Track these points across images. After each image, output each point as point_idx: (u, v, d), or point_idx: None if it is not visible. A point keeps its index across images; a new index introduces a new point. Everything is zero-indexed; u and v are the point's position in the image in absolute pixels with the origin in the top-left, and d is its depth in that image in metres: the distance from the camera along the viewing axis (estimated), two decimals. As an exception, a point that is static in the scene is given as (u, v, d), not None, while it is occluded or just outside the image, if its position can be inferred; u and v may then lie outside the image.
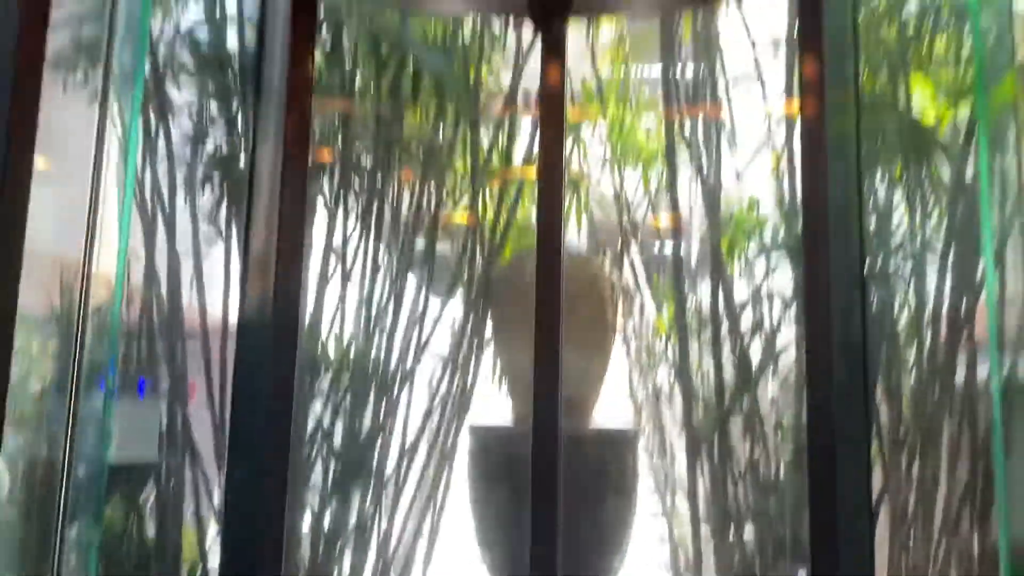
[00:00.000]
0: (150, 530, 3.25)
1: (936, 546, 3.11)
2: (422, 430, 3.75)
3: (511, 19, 3.96)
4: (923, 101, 3.49)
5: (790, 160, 3.50)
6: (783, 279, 3.59)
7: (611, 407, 3.87)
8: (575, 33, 4.43)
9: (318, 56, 3.61)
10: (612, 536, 3.29)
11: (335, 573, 3.52)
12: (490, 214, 3.98)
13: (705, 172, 3.82)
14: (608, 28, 4.78)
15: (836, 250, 2.27)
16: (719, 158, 3.77)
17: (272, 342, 2.27)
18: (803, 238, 2.35)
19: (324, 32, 3.56)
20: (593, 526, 3.22)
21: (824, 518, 2.10)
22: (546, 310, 2.68)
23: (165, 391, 3.35)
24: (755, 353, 3.48)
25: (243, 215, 3.48)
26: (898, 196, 3.43)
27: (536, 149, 3.96)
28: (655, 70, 4.45)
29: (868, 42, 3.27)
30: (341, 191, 3.81)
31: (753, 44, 3.78)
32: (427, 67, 3.64)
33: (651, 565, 3.86)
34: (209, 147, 3.53)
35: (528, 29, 4.05)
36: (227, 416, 3.31)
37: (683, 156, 3.92)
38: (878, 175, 3.41)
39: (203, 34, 3.53)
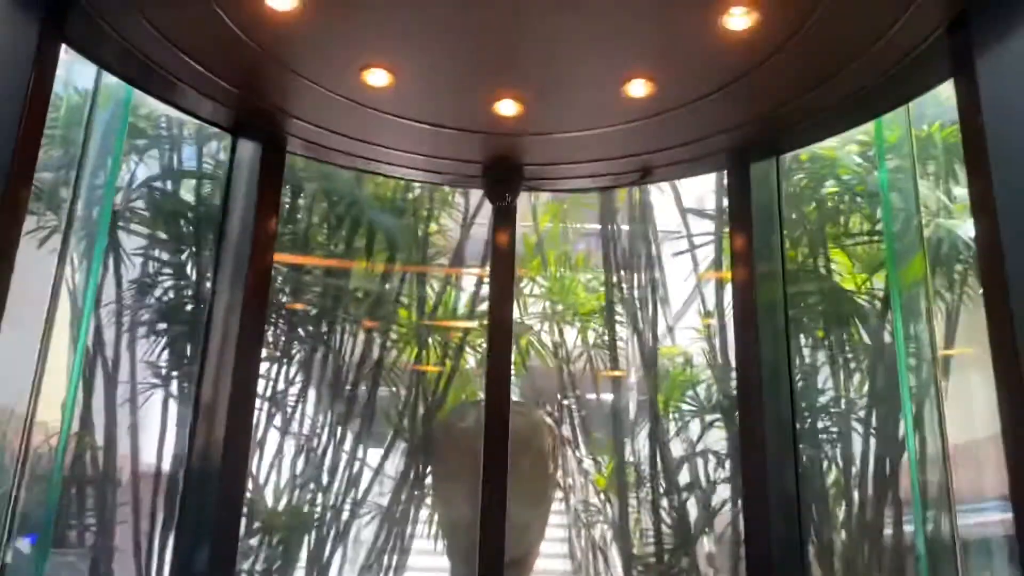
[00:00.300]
0: None
1: None
2: (358, 586, 3.65)
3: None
4: (841, 271, 3.78)
5: (720, 320, 3.69)
6: (717, 436, 3.70)
7: (550, 563, 3.85)
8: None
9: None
10: None
11: None
12: (433, 364, 4.05)
13: (641, 328, 3.99)
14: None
15: (769, 408, 2.40)
16: (654, 316, 3.95)
17: (218, 491, 2.25)
18: (738, 397, 2.49)
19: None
20: None
21: None
22: (494, 463, 2.72)
23: (91, 543, 3.22)
24: (691, 509, 3.54)
25: (182, 363, 3.48)
26: (822, 358, 3.64)
27: (478, 303, 4.14)
28: (594, 230, 4.72)
29: (790, 218, 3.56)
30: (283, 339, 3.85)
31: (683, 214, 4.06)
32: (379, 225, 3.79)
33: None
34: (157, 294, 3.57)
35: (477, 193, 4.28)
36: (153, 570, 3.18)
37: (621, 313, 4.11)
38: (802, 340, 3.62)
39: (161, 185, 3.63)
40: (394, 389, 4.00)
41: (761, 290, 2.59)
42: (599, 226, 4.38)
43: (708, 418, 3.64)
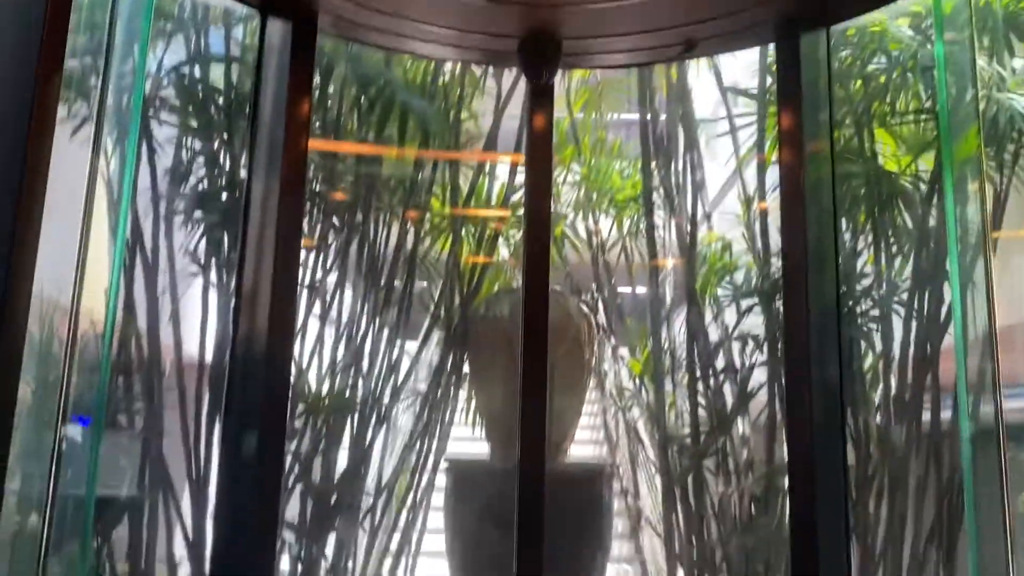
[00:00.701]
0: (122, 567, 3.20)
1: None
2: (400, 465, 3.75)
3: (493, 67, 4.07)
4: (888, 152, 3.66)
5: (761, 206, 3.62)
6: (755, 321, 3.69)
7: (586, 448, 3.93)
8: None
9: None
10: (589, 567, 3.32)
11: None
12: (467, 254, 4.04)
13: (678, 215, 3.93)
14: (584, 75, 4.92)
15: (813, 291, 2.36)
16: (693, 202, 3.89)
17: (265, 377, 2.29)
18: (783, 280, 2.44)
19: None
20: (571, 558, 3.24)
21: (806, 554, 2.17)
22: (533, 348, 2.72)
23: (140, 427, 3.33)
24: (728, 394, 3.56)
25: (223, 252, 3.50)
26: (863, 242, 3.58)
27: (511, 191, 4.09)
28: (630, 120, 4.61)
29: (836, 96, 3.43)
30: (320, 228, 3.84)
31: (724, 94, 3.93)
32: (410, 109, 3.71)
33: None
34: (192, 183, 3.56)
35: (510, 75, 4.16)
36: (201, 453, 3.29)
37: (657, 200, 4.04)
38: (843, 224, 3.55)
39: (189, 72, 3.57)
40: (429, 280, 4.01)
41: (809, 170, 2.51)
42: (635, 115, 4.28)
43: (745, 303, 3.62)
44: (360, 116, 3.80)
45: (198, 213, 3.51)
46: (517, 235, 4.11)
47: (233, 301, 2.45)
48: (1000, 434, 2.54)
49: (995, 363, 2.68)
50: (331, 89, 3.70)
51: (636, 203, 4.20)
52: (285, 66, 2.43)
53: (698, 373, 3.57)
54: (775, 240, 3.62)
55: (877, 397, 3.39)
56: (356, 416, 3.65)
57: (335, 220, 3.87)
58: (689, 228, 3.87)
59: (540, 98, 2.70)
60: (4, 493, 1.63)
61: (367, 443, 3.65)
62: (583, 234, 4.39)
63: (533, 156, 2.79)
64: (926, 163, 3.57)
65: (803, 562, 2.21)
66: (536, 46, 2.48)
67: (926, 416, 3.28)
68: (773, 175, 3.73)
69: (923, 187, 3.46)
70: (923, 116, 3.49)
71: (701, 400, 3.55)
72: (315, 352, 3.72)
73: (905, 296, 3.31)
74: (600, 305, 4.20)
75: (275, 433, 2.30)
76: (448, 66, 4.25)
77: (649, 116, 3.98)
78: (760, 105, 3.68)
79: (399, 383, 3.81)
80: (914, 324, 3.27)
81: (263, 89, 2.52)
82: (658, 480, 3.72)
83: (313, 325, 3.76)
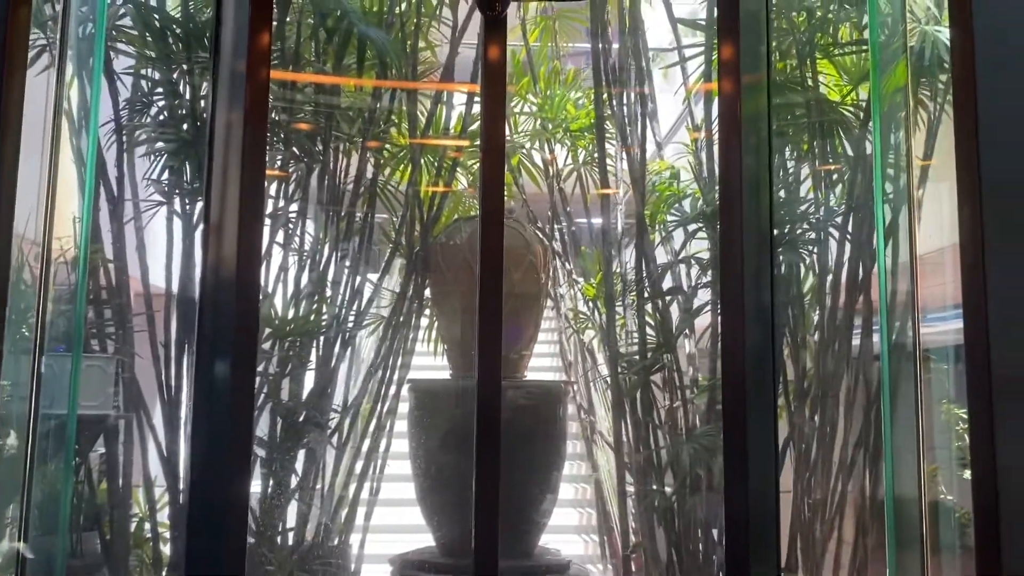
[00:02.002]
0: (99, 484, 3.36)
1: (833, 489, 3.47)
2: (365, 387, 3.93)
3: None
4: (830, 83, 3.82)
5: (708, 135, 3.77)
6: (701, 246, 3.88)
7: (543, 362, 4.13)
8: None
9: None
10: (544, 480, 3.55)
11: (279, 527, 3.68)
12: (426, 184, 4.15)
13: (630, 144, 4.08)
14: (539, 5, 4.97)
15: (748, 217, 2.54)
16: (643, 132, 4.02)
17: (234, 305, 2.41)
18: (720, 206, 2.61)
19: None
20: (527, 469, 3.47)
21: (737, 463, 2.40)
22: (489, 271, 2.86)
23: (113, 352, 3.44)
24: (675, 315, 3.77)
25: (185, 181, 3.58)
26: (806, 170, 3.76)
27: (469, 120, 4.18)
28: (583, 49, 4.69)
29: (779, 28, 3.56)
30: (281, 158, 3.93)
31: (674, 26, 4.03)
32: (368, 38, 3.77)
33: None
34: (152, 113, 3.61)
35: (465, 5, 4.22)
36: (172, 377, 3.43)
37: (610, 130, 4.17)
38: (787, 152, 3.72)
39: (147, 2, 3.58)
40: (390, 209, 4.13)
41: (746, 101, 2.65)
42: (588, 45, 4.36)
43: (691, 228, 3.79)
44: (318, 46, 3.85)
45: (160, 144, 3.57)
46: (476, 164, 4.22)
47: (201, 230, 2.55)
48: (916, 355, 2.77)
49: (914, 287, 2.90)
50: (288, 19, 3.73)
51: (590, 133, 4.32)
52: (244, -3, 2.49)
53: (647, 295, 3.76)
54: (721, 168, 3.79)
55: (815, 317, 3.62)
56: (321, 340, 3.79)
57: (295, 150, 3.95)
58: (640, 157, 4.01)
59: (493, 30, 2.79)
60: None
61: (332, 366, 3.81)
62: (540, 164, 4.52)
63: (488, 87, 2.89)
64: (866, 92, 3.74)
65: (735, 465, 2.44)
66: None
67: (857, 339, 3.52)
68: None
69: (862, 116, 3.63)
70: (863, 47, 3.65)
71: (649, 321, 3.75)
72: (280, 279, 3.85)
73: (840, 220, 3.52)
74: (556, 233, 4.36)
75: (246, 357, 2.43)
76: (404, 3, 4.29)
77: (602, 46, 4.07)
78: (708, 36, 3.80)
79: (362, 309, 3.96)
80: (848, 248, 3.49)
81: (223, 19, 2.59)
82: (609, 395, 3.95)
83: (277, 253, 3.88)
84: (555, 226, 4.39)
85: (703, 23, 3.81)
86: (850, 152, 3.65)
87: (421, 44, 4.23)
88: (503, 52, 2.89)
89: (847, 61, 3.81)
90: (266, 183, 3.90)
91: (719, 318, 3.65)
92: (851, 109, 3.71)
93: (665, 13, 4.04)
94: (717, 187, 3.78)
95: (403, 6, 4.22)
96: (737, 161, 2.58)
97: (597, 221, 4.24)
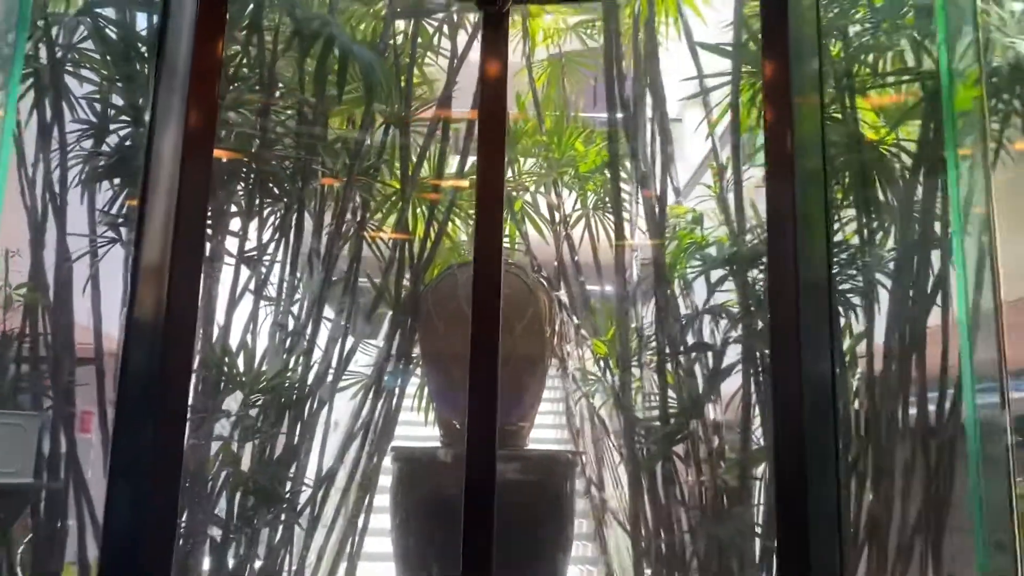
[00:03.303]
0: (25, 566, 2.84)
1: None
2: (342, 454, 3.42)
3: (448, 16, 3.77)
4: (867, 120, 3.41)
5: (736, 170, 3.35)
6: (725, 296, 3.41)
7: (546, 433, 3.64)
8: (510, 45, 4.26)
9: (234, 44, 3.34)
10: (548, 567, 3.02)
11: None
12: (420, 226, 3.72)
13: (647, 186, 3.65)
14: (545, 38, 4.64)
15: (801, 263, 2.07)
16: (663, 172, 3.60)
17: (162, 357, 1.94)
18: (768, 250, 2.15)
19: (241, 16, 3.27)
20: (528, 555, 2.95)
21: (795, 540, 1.89)
22: (484, 319, 2.41)
23: (48, 409, 2.97)
24: (700, 375, 3.27)
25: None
26: (844, 215, 3.32)
27: (467, 152, 3.77)
28: (594, 87, 4.33)
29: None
30: (258, 197, 3.50)
31: (694, 53, 3.64)
32: (356, 59, 3.38)
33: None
34: (112, 140, 3.21)
35: (464, 30, 3.86)
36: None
37: (624, 171, 3.76)
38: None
39: (106, 15, 3.21)
40: (376, 253, 3.69)
41: (798, 127, 2.21)
42: (599, 81, 4.01)
43: (716, 274, 3.33)
44: (302, 73, 3.46)
45: (115, 173, 3.17)
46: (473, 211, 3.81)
47: (131, 275, 2.08)
48: (1009, 422, 2.29)
49: (1001, 344, 2.42)
50: (268, 39, 3.36)
51: (602, 174, 3.91)
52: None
53: (667, 352, 3.28)
54: (751, 207, 3.36)
55: (855, 379, 3.14)
56: (294, 400, 3.31)
57: (272, 187, 3.53)
58: (660, 197, 3.59)
59: (493, 33, 2.39)
60: None
61: (305, 430, 3.31)
62: (544, 210, 4.10)
63: (486, 104, 2.48)
64: (905, 133, 3.34)
65: (792, 559, 1.93)
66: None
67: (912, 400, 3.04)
68: (750, 141, 3.47)
69: (906, 158, 3.22)
70: (907, 78, 3.24)
71: (670, 382, 3.26)
72: (249, 330, 3.38)
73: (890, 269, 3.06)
74: (563, 283, 3.90)
75: (173, 420, 1.95)
76: (400, 24, 3.94)
77: (615, 79, 3.68)
78: (735, 63, 3.41)
79: (342, 365, 3.48)
80: (897, 301, 3.02)
81: (170, 27, 2.17)
82: (624, 469, 3.43)
83: (247, 301, 3.43)
84: (561, 276, 3.93)
85: (728, 48, 3.41)
86: (891, 199, 3.22)
87: (417, 76, 3.86)
88: (503, 65, 2.48)
89: (883, 97, 3.41)
90: (238, 222, 3.50)
91: (753, 379, 3.19)
92: (891, 149, 3.30)
93: (685, 39, 3.66)
94: (748, 230, 3.36)
95: (398, 39, 3.87)
96: (788, 195, 2.12)
97: (609, 271, 3.79)
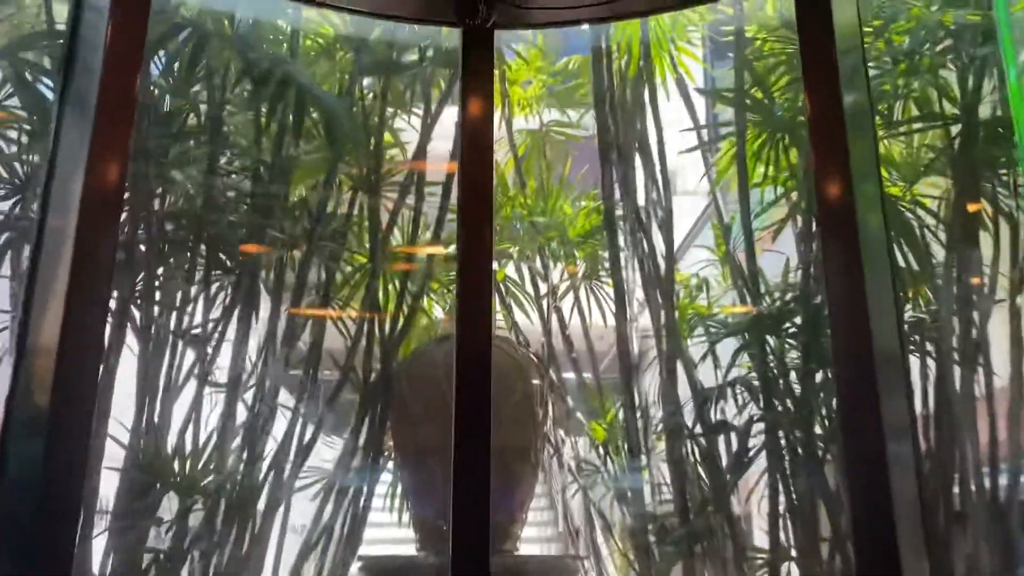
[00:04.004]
0: None
1: None
2: (300, 565, 2.89)
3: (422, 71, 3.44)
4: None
5: (746, 225, 2.99)
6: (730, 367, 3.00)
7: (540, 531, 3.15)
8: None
9: (169, 77, 2.96)
10: None
11: None
12: (391, 299, 3.30)
13: (644, 251, 3.27)
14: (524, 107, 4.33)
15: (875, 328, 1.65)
16: (668, 232, 3.22)
17: (48, 450, 1.48)
18: (832, 316, 1.74)
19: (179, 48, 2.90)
20: None
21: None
22: (471, 410, 2.01)
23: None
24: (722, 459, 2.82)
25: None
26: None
27: (444, 215, 3.39)
28: (582, 146, 4.01)
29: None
30: (204, 267, 3.07)
31: (686, 99, 3.31)
32: (319, 108, 3.02)
33: None
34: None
35: (437, 88, 3.53)
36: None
37: (619, 234, 3.39)
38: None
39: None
40: (341, 328, 3.24)
41: (856, 175, 1.83)
42: (588, 132, 3.69)
43: (730, 345, 2.94)
44: (259, 123, 3.08)
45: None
46: (451, 275, 3.40)
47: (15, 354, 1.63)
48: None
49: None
50: (215, 81, 2.98)
51: (593, 239, 3.53)
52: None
53: (685, 432, 2.83)
54: (766, 268, 2.99)
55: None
56: (244, 502, 2.80)
57: (220, 255, 3.09)
58: (658, 264, 3.20)
59: (476, 55, 2.04)
60: None
61: (258, 538, 2.79)
62: (529, 279, 3.69)
63: (469, 143, 2.12)
64: (933, 187, 3.01)
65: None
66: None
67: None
68: (753, 195, 3.13)
69: (930, 219, 2.88)
70: (937, 123, 2.92)
71: (687, 468, 2.80)
72: (191, 420, 2.89)
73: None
74: (552, 360, 3.46)
75: (61, 535, 1.48)
76: (367, 81, 3.61)
77: (610, 125, 3.35)
78: (738, 111, 3.08)
79: (301, 460, 2.99)
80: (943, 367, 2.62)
81: (79, 51, 1.78)
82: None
83: (191, 387, 2.95)
84: (550, 352, 3.49)
85: (731, 95, 3.10)
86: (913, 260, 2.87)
87: (387, 138, 3.51)
88: (488, 97, 2.13)
89: (894, 151, 3.10)
90: (179, 296, 3.06)
91: (779, 463, 2.75)
92: (907, 205, 2.97)
93: (677, 88, 3.34)
94: (763, 293, 2.99)
95: (368, 97, 3.53)
96: (850, 253, 1.72)
97: (604, 346, 3.38)
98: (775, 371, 2.80)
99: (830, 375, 2.75)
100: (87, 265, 1.53)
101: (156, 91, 2.96)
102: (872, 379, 1.58)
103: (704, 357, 2.94)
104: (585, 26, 3.64)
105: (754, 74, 3.04)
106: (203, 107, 3.07)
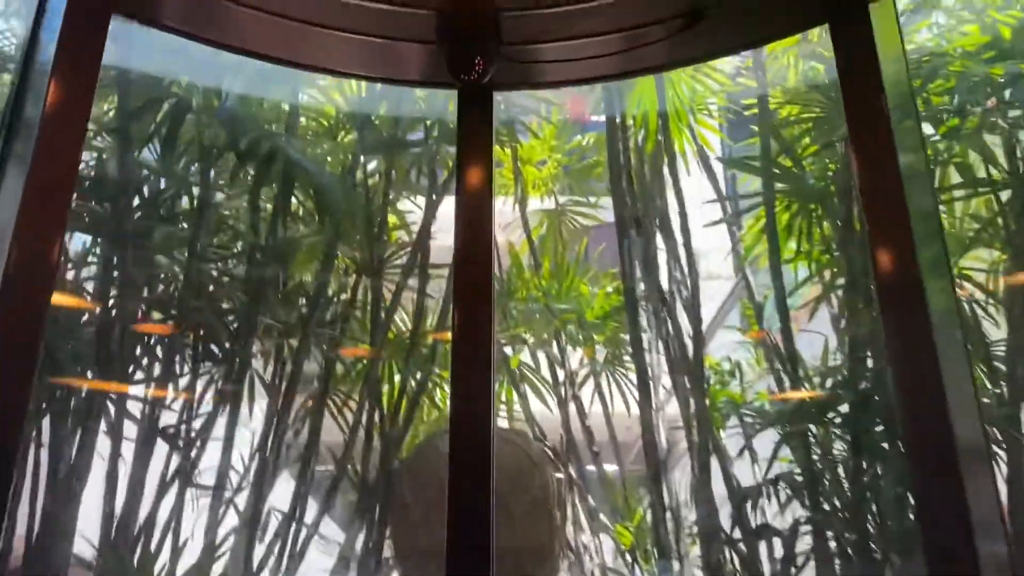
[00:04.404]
0: None
1: None
2: None
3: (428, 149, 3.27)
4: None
5: (781, 303, 2.72)
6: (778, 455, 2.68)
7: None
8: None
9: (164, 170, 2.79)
10: None
11: None
12: (394, 389, 3.04)
13: (669, 334, 3.01)
14: (537, 188, 4.15)
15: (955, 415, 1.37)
16: (695, 311, 2.96)
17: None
18: (902, 415, 1.46)
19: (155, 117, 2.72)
20: None
21: None
22: (466, 507, 1.74)
23: None
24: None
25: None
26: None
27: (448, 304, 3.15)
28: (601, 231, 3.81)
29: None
30: (192, 357, 2.84)
31: (706, 167, 3.10)
32: (315, 187, 2.83)
33: None
34: None
35: (443, 168, 3.36)
36: None
37: (642, 317, 3.13)
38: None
39: None
40: (339, 423, 2.98)
41: (920, 240, 1.58)
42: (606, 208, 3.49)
43: (769, 437, 2.63)
44: (255, 203, 2.89)
45: None
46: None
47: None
48: None
49: None
50: (207, 160, 2.81)
51: (615, 320, 3.28)
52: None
53: (723, 537, 2.50)
54: (802, 350, 2.71)
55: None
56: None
57: (211, 345, 2.87)
58: (685, 346, 2.93)
59: (474, 120, 1.83)
60: None
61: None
62: (546, 365, 3.42)
63: (465, 217, 1.89)
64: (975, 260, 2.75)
65: None
66: (463, 21, 1.63)
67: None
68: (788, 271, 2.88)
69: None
70: (984, 190, 2.67)
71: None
72: (171, 527, 2.61)
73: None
74: (572, 454, 3.16)
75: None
76: (372, 165, 3.45)
77: (628, 206, 3.14)
78: (767, 181, 2.86)
79: (295, 567, 2.69)
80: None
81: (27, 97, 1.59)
82: None
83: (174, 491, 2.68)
84: (569, 447, 3.20)
85: (756, 164, 2.88)
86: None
87: (392, 218, 3.33)
88: (487, 167, 1.91)
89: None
90: (171, 394, 2.83)
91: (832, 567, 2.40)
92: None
93: (699, 160, 3.14)
94: (802, 378, 2.69)
95: (372, 177, 3.36)
96: (920, 332, 1.44)
97: (629, 439, 3.08)
98: (821, 466, 2.49)
99: (880, 469, 2.45)
100: (5, 356, 1.29)
101: (145, 171, 2.80)
102: (955, 471, 1.30)
103: (742, 451, 2.63)
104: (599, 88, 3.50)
105: (781, 141, 2.83)
106: (195, 189, 2.90)
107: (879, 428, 2.41)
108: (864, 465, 2.43)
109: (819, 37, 2.83)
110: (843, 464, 2.51)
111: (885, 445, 2.39)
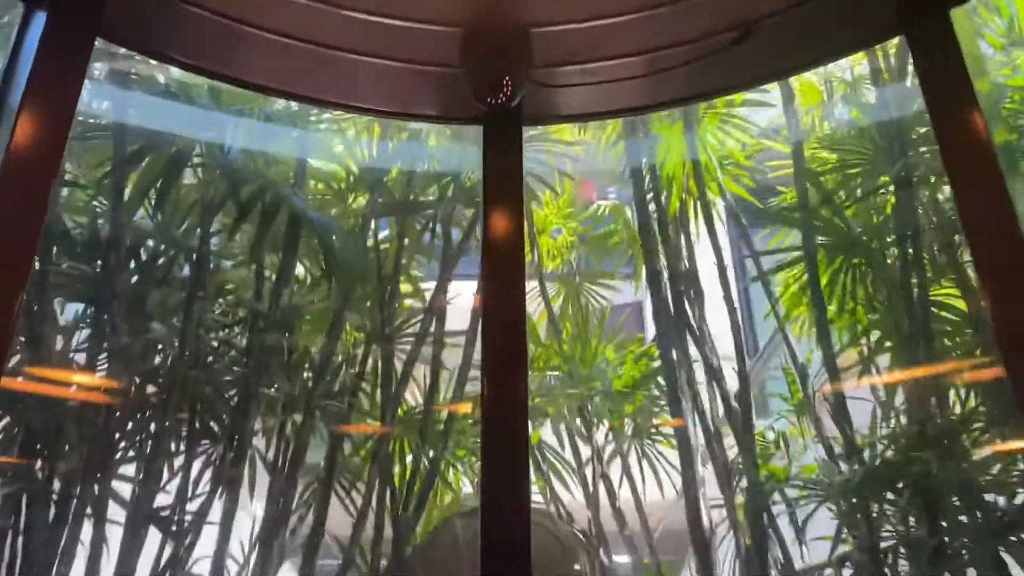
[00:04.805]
0: None
1: None
2: None
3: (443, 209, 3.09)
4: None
5: (831, 367, 2.49)
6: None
7: None
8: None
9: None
10: None
11: None
12: (406, 469, 2.79)
13: (706, 404, 2.77)
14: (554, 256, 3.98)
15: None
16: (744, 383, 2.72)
17: None
18: None
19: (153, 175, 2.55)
20: None
21: None
22: None
23: None
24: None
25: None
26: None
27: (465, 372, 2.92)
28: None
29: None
30: (189, 435, 2.60)
31: (748, 240, 2.92)
32: (325, 247, 2.64)
33: None
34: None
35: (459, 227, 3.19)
36: None
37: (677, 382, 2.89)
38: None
39: None
40: (347, 505, 2.72)
41: None
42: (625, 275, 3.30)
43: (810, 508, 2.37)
44: (259, 262, 2.69)
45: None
46: (475, 439, 2.90)
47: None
48: None
49: None
50: (207, 220, 2.62)
51: (643, 391, 3.04)
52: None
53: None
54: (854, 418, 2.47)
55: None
56: None
57: (209, 421, 2.63)
58: (735, 415, 2.69)
59: (501, 154, 1.65)
60: None
61: None
62: (568, 442, 3.17)
63: (495, 267, 1.69)
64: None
65: None
66: (488, 40, 1.46)
67: None
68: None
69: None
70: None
71: None
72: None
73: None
74: (602, 540, 2.88)
75: None
76: (384, 232, 3.28)
77: (652, 273, 2.94)
78: (807, 238, 2.64)
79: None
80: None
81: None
82: None
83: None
84: (598, 529, 2.91)
85: (795, 215, 2.68)
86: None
87: (404, 286, 3.14)
88: (517, 207, 1.72)
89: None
90: (165, 474, 2.58)
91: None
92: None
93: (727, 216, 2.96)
94: (856, 450, 2.44)
95: (383, 244, 3.19)
96: None
97: (671, 520, 2.81)
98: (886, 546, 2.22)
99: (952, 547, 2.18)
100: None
101: (140, 233, 2.62)
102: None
103: (801, 531, 2.36)
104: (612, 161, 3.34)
105: (820, 189, 2.64)
106: (194, 254, 2.71)
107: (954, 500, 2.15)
108: (936, 544, 2.16)
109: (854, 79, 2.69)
110: (911, 545, 2.24)
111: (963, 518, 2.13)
